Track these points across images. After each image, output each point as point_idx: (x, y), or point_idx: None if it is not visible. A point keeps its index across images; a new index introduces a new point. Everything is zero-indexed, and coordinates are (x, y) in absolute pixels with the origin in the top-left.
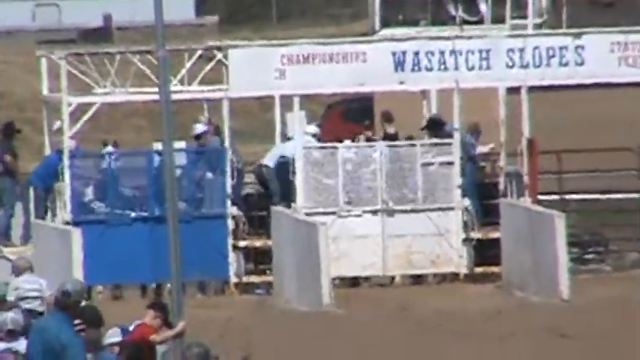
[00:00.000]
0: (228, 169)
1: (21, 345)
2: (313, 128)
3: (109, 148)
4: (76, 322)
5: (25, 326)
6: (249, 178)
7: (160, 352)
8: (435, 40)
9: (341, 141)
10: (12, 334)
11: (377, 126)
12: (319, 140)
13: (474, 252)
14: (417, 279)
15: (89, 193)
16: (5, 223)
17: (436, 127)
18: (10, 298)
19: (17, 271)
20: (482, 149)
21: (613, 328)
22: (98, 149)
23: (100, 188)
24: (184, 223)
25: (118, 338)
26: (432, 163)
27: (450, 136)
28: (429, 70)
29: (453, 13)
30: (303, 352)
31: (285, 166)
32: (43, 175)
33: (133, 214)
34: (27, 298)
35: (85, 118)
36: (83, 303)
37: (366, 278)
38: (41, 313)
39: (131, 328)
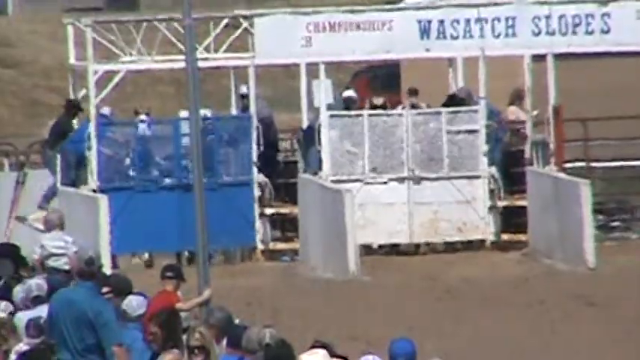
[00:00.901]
0: (254, 136)
1: (44, 312)
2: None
3: (143, 117)
4: (104, 289)
5: (52, 288)
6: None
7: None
8: (460, 7)
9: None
10: (37, 300)
11: (403, 97)
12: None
13: (500, 220)
14: (444, 246)
15: (127, 160)
16: (53, 191)
17: (455, 104)
18: (35, 255)
19: (48, 226)
20: (523, 116)
21: (639, 295)
22: (128, 117)
23: (134, 156)
24: (210, 190)
25: (144, 309)
26: (458, 131)
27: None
28: (455, 38)
29: None
30: (329, 319)
31: (311, 134)
32: (77, 143)
33: (162, 182)
34: (52, 255)
35: (111, 85)
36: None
37: (394, 245)
38: (67, 272)
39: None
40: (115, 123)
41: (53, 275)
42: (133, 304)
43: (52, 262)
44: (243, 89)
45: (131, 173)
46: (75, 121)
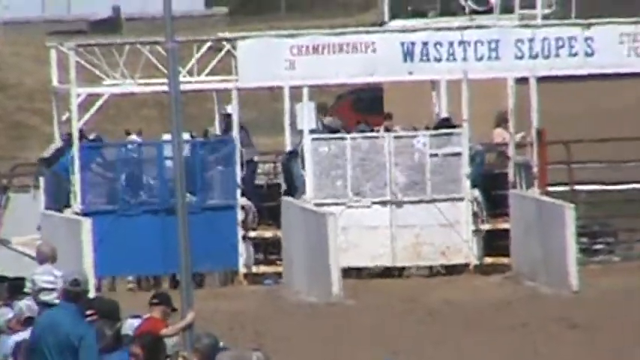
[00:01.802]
0: (238, 160)
1: None
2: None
3: (133, 137)
4: (88, 312)
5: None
6: (259, 169)
7: (170, 345)
8: (443, 30)
9: (350, 131)
10: (30, 322)
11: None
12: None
13: (483, 243)
14: (427, 269)
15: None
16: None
17: (448, 124)
18: (28, 290)
19: (40, 258)
20: (508, 138)
21: (622, 318)
22: (113, 140)
23: (122, 178)
24: (193, 214)
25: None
26: (439, 154)
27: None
28: (438, 60)
29: (462, 3)
30: (312, 343)
31: (294, 157)
32: (68, 166)
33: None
34: (43, 289)
35: (94, 108)
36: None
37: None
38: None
39: (135, 324)
40: (102, 146)
41: (45, 309)
42: (135, 326)
43: (43, 297)
44: (227, 109)
45: (121, 196)
46: None
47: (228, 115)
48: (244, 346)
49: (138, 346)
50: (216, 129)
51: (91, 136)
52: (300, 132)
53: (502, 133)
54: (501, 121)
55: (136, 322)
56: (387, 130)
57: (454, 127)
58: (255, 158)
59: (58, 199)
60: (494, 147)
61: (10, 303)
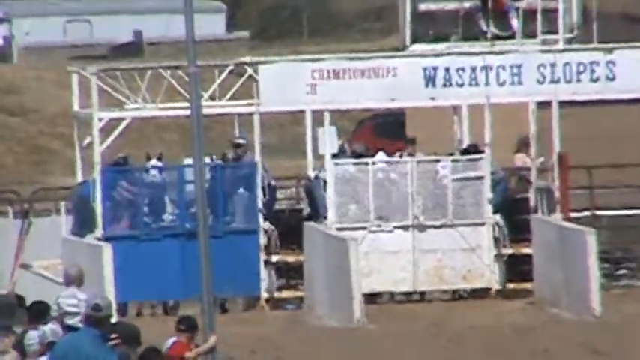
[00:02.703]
0: (259, 184)
1: None
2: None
3: (154, 161)
4: (112, 336)
5: None
6: (281, 194)
7: None
8: (465, 55)
9: (373, 155)
10: (53, 347)
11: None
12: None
13: (505, 267)
14: (449, 294)
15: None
16: None
17: (473, 151)
18: (54, 313)
19: (66, 281)
20: (530, 163)
21: None
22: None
23: (145, 202)
24: (215, 238)
25: None
26: (462, 179)
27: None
28: (460, 85)
29: (484, 28)
30: None
31: (317, 182)
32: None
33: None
34: (67, 313)
35: (116, 133)
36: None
37: (394, 294)
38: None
39: (167, 346)
40: (124, 171)
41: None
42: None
43: (68, 320)
44: (239, 140)
45: (144, 219)
46: None
47: (239, 146)
48: None
49: None
50: (256, 153)
51: (120, 154)
52: (322, 157)
53: (523, 158)
54: (522, 146)
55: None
56: (411, 155)
57: (481, 153)
58: (272, 183)
59: (85, 224)
60: (515, 172)
61: (37, 327)
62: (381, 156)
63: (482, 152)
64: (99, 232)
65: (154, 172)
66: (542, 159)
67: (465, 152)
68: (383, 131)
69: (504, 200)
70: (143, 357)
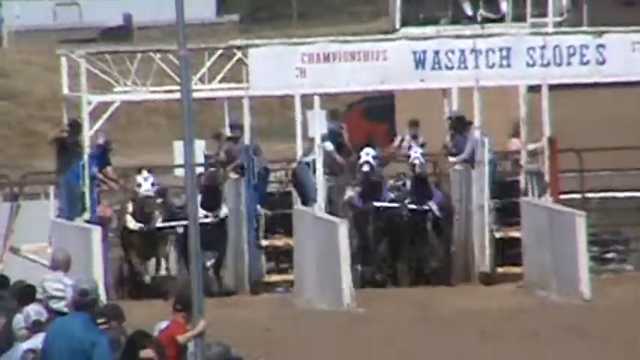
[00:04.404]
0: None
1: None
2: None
3: (145, 174)
4: (99, 320)
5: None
6: (272, 177)
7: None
8: (455, 38)
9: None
10: (38, 325)
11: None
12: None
13: (494, 251)
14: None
15: None
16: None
17: (461, 126)
18: (39, 296)
19: (53, 265)
20: (522, 147)
21: (634, 327)
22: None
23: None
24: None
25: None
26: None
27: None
28: (450, 68)
29: (469, 12)
30: (324, 351)
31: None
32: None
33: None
34: (52, 297)
35: (105, 116)
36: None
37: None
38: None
39: (162, 326)
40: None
41: (56, 317)
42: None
43: (52, 304)
44: (226, 132)
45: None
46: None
47: (229, 138)
48: (256, 354)
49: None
50: (246, 137)
51: (100, 140)
52: (312, 140)
53: (518, 143)
54: (518, 130)
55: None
56: (415, 137)
57: (470, 123)
58: (267, 166)
59: (73, 208)
60: (507, 155)
61: (21, 309)
62: (367, 150)
63: (470, 123)
64: (87, 215)
65: (146, 186)
66: (538, 144)
67: (453, 125)
68: (373, 114)
69: (495, 183)
70: (131, 341)
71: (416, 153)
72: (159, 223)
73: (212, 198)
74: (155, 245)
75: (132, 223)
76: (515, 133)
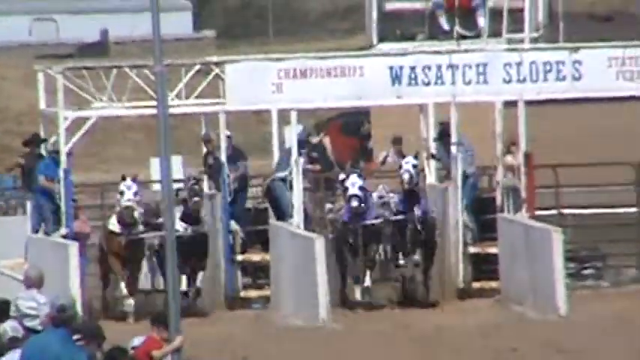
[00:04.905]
0: (226, 185)
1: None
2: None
3: (129, 182)
4: (75, 337)
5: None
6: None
7: None
8: (432, 54)
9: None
10: (15, 342)
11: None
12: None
13: (471, 267)
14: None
15: None
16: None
17: (447, 136)
18: (13, 314)
19: (26, 283)
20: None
21: (611, 344)
22: (95, 163)
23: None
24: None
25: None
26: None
27: (459, 144)
28: (426, 84)
29: (445, 27)
30: None
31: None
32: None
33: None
34: (26, 315)
35: (82, 132)
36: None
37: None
38: (39, 332)
39: (136, 342)
40: None
41: (30, 334)
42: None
43: (27, 323)
44: (207, 135)
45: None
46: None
47: (208, 141)
48: None
49: None
50: (222, 153)
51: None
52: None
53: (512, 161)
54: (511, 147)
55: (138, 340)
56: (400, 152)
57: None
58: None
59: (44, 224)
60: (485, 171)
61: None
62: (354, 179)
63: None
64: (63, 230)
65: (129, 194)
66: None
67: (440, 135)
68: (349, 130)
69: (473, 199)
70: (110, 356)
71: (407, 164)
72: (141, 233)
73: (194, 215)
74: (135, 253)
75: (115, 227)
76: (509, 149)
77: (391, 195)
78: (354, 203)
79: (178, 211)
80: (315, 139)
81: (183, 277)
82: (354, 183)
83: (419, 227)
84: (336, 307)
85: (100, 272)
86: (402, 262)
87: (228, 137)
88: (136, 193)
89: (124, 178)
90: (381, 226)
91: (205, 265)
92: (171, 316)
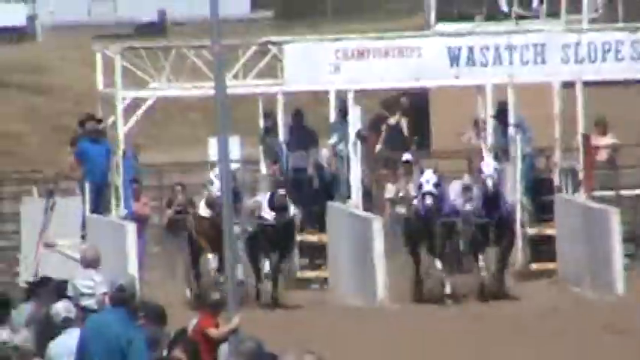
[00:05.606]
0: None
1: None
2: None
3: (217, 171)
4: (138, 316)
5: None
6: None
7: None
8: (490, 35)
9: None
10: (68, 322)
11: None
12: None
13: (529, 248)
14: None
15: None
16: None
17: (505, 115)
18: (70, 293)
19: (83, 263)
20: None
21: None
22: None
23: None
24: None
25: None
26: None
27: (517, 125)
28: (484, 65)
29: (504, 8)
30: (359, 347)
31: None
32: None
33: None
34: (83, 294)
35: (140, 112)
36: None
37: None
38: (95, 311)
39: (194, 322)
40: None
41: (87, 314)
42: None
43: (83, 302)
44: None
45: None
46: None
47: (266, 129)
48: (292, 349)
49: (181, 350)
50: (280, 134)
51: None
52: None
53: (605, 139)
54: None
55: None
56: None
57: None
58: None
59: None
60: (542, 152)
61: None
62: (428, 175)
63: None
64: (121, 211)
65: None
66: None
67: (498, 113)
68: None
69: (531, 180)
70: (173, 340)
71: (488, 167)
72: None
73: (280, 201)
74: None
75: (204, 211)
76: (598, 130)
77: (475, 192)
78: (429, 201)
79: (264, 199)
80: (392, 120)
81: (267, 262)
82: (428, 180)
83: (497, 232)
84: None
85: (191, 258)
86: (481, 263)
87: (297, 115)
88: None
89: (212, 167)
90: (457, 222)
91: (291, 252)
92: (229, 296)
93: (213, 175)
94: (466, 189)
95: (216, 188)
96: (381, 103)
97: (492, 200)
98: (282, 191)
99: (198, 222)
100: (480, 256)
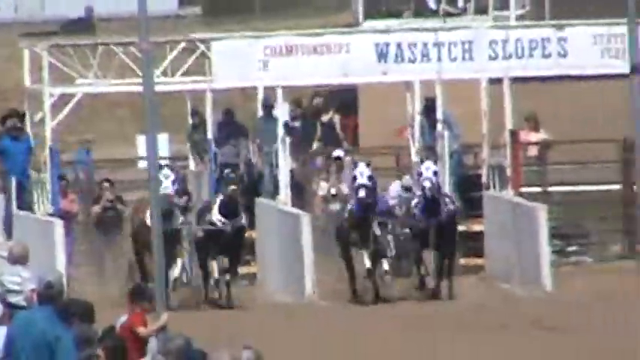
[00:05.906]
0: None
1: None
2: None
3: (165, 171)
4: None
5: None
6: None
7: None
8: (418, 31)
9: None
10: None
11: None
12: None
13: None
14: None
15: None
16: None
17: (432, 112)
18: None
19: (10, 259)
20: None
21: (596, 320)
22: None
23: None
24: None
25: None
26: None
27: (444, 121)
28: (412, 61)
29: (432, 5)
30: (287, 343)
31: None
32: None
33: None
34: (10, 291)
35: (67, 108)
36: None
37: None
38: (23, 308)
39: (123, 320)
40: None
41: (14, 311)
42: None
43: (11, 298)
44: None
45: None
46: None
47: (193, 126)
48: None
49: (102, 348)
50: (209, 130)
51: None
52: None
53: (534, 135)
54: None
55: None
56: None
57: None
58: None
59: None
60: (470, 149)
61: None
62: (362, 169)
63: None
64: (48, 208)
65: (166, 183)
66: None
67: (426, 108)
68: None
69: (459, 177)
70: (103, 338)
71: (428, 171)
72: (178, 224)
73: (232, 208)
74: (173, 247)
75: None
76: (529, 125)
77: (414, 194)
78: (362, 194)
79: (215, 203)
80: (325, 117)
81: (214, 264)
82: (362, 172)
83: (437, 237)
84: (324, 284)
85: (138, 267)
86: (422, 271)
87: (228, 114)
88: (174, 182)
89: (160, 168)
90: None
91: (240, 257)
92: (157, 293)
93: (162, 175)
94: (406, 189)
95: (164, 188)
96: (294, 101)
97: (432, 204)
98: (233, 187)
99: (142, 230)
100: (420, 260)
